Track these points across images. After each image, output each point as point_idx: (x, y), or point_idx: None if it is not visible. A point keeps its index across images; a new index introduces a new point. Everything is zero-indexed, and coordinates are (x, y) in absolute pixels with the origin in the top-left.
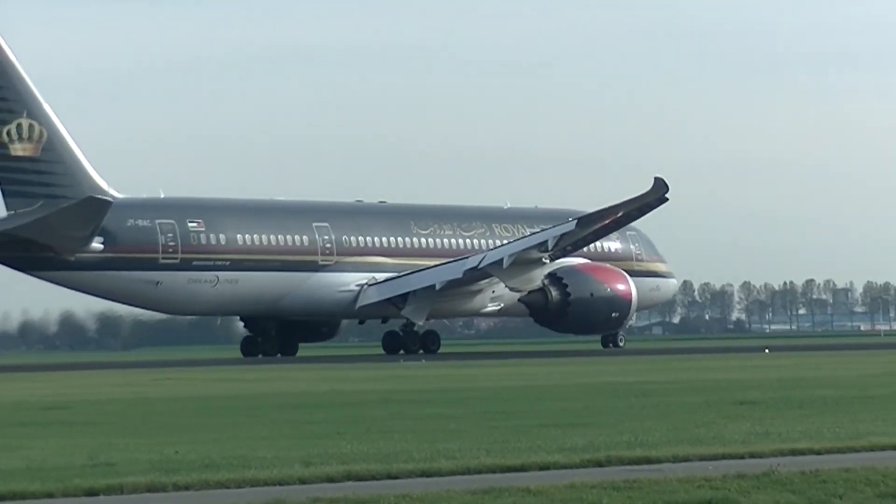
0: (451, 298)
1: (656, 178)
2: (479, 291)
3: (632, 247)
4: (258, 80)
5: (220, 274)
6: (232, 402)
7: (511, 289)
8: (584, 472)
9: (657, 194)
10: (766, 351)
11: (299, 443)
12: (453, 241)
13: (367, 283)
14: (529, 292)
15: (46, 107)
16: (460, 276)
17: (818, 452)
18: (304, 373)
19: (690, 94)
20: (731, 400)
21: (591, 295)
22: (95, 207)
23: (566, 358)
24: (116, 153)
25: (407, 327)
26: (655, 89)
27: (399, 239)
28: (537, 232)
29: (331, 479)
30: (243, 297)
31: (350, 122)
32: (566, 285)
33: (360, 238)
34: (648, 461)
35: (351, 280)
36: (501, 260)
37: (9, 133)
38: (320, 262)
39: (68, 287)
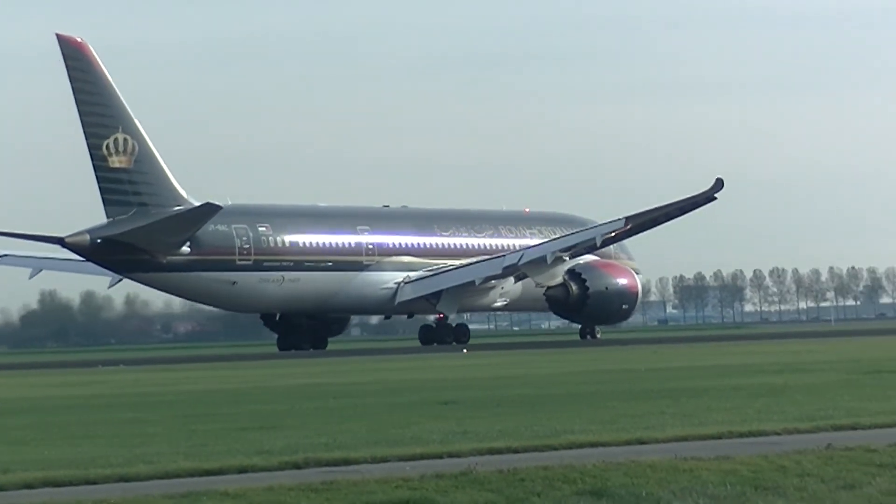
0: (472, 294)
1: (717, 179)
2: (493, 288)
3: (611, 246)
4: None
5: (286, 274)
6: None
7: (538, 284)
8: (282, 474)
9: (712, 192)
10: (464, 351)
11: None
12: (468, 241)
13: (403, 281)
14: (549, 287)
15: (137, 122)
16: (500, 272)
17: (516, 451)
18: (2, 379)
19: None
20: (431, 400)
21: (607, 289)
22: (207, 213)
23: (279, 360)
24: None
25: (441, 320)
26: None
27: (425, 240)
28: (582, 231)
29: (29, 486)
30: (303, 295)
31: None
32: (585, 280)
33: (395, 240)
34: (346, 462)
35: (390, 278)
36: (540, 257)
37: (107, 147)
38: (364, 263)
39: (157, 287)
